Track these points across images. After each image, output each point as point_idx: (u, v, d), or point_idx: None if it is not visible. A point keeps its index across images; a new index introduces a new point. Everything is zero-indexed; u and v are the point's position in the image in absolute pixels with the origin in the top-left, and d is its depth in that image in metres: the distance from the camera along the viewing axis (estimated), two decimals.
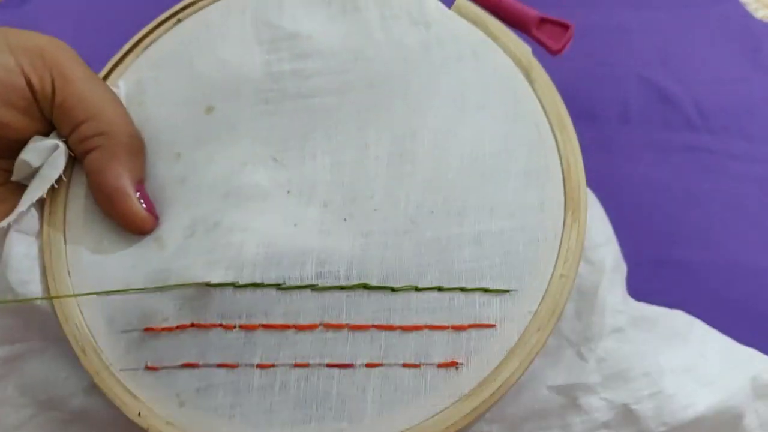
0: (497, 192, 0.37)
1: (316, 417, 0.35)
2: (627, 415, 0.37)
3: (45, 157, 0.38)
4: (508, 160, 0.38)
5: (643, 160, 0.41)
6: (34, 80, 0.36)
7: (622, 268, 0.40)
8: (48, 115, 0.37)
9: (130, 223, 0.37)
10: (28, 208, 0.38)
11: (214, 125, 0.40)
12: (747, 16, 0.58)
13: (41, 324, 0.38)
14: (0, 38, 0.36)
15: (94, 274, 0.37)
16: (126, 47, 0.41)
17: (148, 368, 0.36)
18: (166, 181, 0.39)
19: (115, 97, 0.38)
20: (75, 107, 0.36)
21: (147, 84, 0.40)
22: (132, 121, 0.38)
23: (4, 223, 0.37)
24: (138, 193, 0.37)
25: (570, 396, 0.37)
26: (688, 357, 0.39)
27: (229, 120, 0.40)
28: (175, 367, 0.36)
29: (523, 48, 0.40)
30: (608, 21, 0.56)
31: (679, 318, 0.41)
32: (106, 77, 0.41)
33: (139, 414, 0.36)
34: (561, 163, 0.37)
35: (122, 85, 0.40)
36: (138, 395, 0.36)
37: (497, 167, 0.38)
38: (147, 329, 0.36)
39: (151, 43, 0.41)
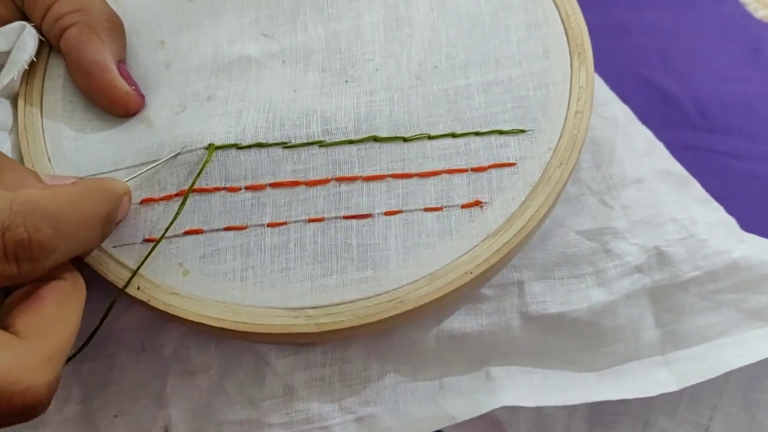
0: (500, 45, 0.36)
1: (337, 269, 0.32)
2: (660, 258, 0.35)
3: (13, 40, 0.35)
4: (507, 15, 0.37)
5: None
6: None
7: (642, 127, 0.39)
8: (20, 3, 0.35)
9: (113, 101, 0.35)
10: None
11: (197, 11, 0.38)
12: (747, 16, 0.58)
13: None
14: None
15: (77, 160, 0.35)
16: None
17: (146, 241, 0.33)
18: (150, 68, 0.37)
19: None
20: None
21: None
22: (108, 4, 0.36)
23: None
24: (119, 71, 0.35)
25: (600, 241, 0.35)
26: (721, 216, 0.38)
27: (212, 5, 0.38)
28: (176, 236, 0.33)
29: None
30: (608, 21, 0.56)
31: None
32: None
33: (138, 288, 0.32)
34: (560, 15, 0.37)
35: None
36: (134, 268, 0.32)
37: (496, 23, 0.37)
38: (144, 201, 0.33)
39: None
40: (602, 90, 0.40)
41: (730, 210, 0.40)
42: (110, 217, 0.30)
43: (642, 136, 0.39)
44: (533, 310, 0.34)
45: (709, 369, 0.34)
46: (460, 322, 0.34)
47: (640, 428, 0.38)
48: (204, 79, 0.36)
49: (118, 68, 0.35)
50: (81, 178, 0.33)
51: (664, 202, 0.36)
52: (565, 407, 0.38)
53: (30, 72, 0.36)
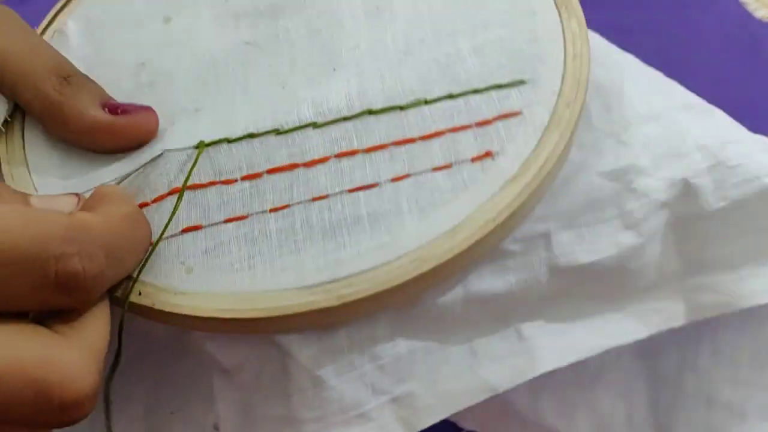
0: (485, 10, 0.35)
1: (350, 242, 0.30)
2: (687, 190, 0.33)
3: None
4: None
5: None
6: None
7: (652, 70, 0.38)
8: None
9: (123, 140, 0.33)
10: None
11: (176, 31, 0.37)
12: (747, 16, 0.58)
13: None
14: None
15: (62, 173, 0.33)
16: None
17: None
18: (134, 90, 0.36)
19: (38, 44, 0.34)
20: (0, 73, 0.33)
21: (96, 16, 0.38)
22: (64, 60, 0.34)
23: None
24: (109, 109, 0.33)
25: (623, 180, 0.33)
26: (753, 135, 0.35)
27: (190, 23, 0.38)
28: (174, 236, 0.31)
29: None
30: (608, 21, 0.55)
31: None
32: (53, 20, 0.39)
33: (140, 293, 0.30)
34: None
35: (71, 23, 0.38)
36: (134, 275, 0.30)
37: None
38: (138, 206, 0.31)
39: None
40: (601, 44, 0.38)
41: None
42: (150, 238, 0.30)
43: (653, 78, 0.37)
44: (563, 262, 0.32)
45: (727, 301, 0.31)
46: (488, 282, 0.31)
47: (703, 406, 0.35)
48: (190, 93, 0.35)
49: (105, 107, 0.33)
50: (74, 193, 0.31)
51: (688, 130, 0.34)
52: (624, 404, 0.36)
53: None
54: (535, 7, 0.35)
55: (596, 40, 0.39)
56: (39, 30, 0.38)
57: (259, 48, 0.36)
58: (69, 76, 0.33)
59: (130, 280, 0.30)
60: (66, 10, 0.39)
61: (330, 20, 0.36)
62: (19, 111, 0.35)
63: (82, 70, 0.34)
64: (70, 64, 0.34)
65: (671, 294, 0.33)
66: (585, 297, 0.32)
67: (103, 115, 0.32)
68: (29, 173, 0.34)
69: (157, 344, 0.33)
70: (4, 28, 0.33)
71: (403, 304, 0.31)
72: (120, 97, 0.35)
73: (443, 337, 0.31)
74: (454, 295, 0.31)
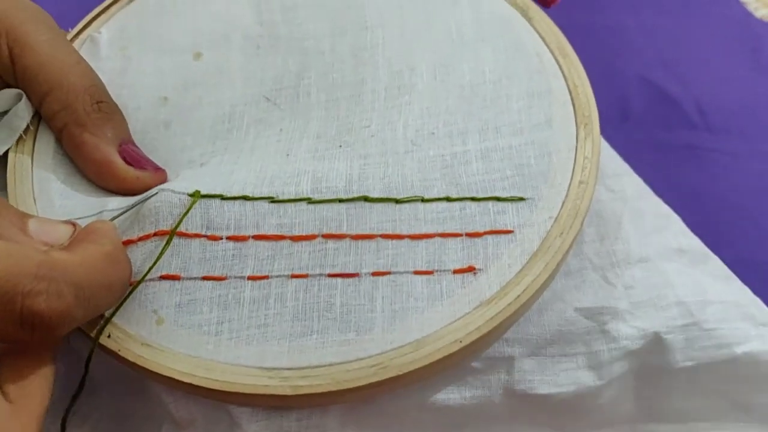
0: (501, 113, 0.35)
1: (318, 329, 0.30)
2: (657, 344, 0.33)
3: (9, 104, 0.35)
4: (510, 84, 0.36)
5: (643, 160, 0.40)
6: None
7: (657, 203, 0.38)
8: (14, 83, 0.34)
9: (126, 188, 0.34)
10: None
11: (203, 70, 0.38)
12: (747, 15, 0.58)
13: None
14: None
15: (63, 202, 0.34)
16: None
17: None
18: (149, 125, 0.36)
19: (79, 61, 0.35)
20: (36, 77, 0.33)
21: (131, 31, 0.39)
22: (100, 83, 0.35)
23: None
24: (125, 155, 0.34)
25: (598, 320, 0.33)
26: (742, 296, 0.36)
27: (219, 64, 0.38)
28: (152, 281, 0.31)
29: None
30: (608, 21, 0.56)
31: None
32: (87, 25, 0.39)
33: (109, 336, 0.30)
34: (567, 85, 0.36)
35: (104, 31, 0.39)
36: (107, 314, 0.30)
37: (498, 92, 0.36)
38: (122, 243, 0.32)
39: None
40: (614, 162, 0.38)
41: (730, 210, 0.38)
42: (128, 279, 0.30)
43: (654, 212, 0.37)
44: (520, 388, 0.32)
45: None
46: (443, 393, 0.32)
47: None
48: (201, 145, 0.36)
49: (122, 153, 0.34)
50: (71, 221, 0.31)
51: (671, 284, 0.34)
52: None
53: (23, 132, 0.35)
54: (554, 116, 0.35)
55: (611, 156, 0.39)
56: (72, 34, 0.39)
57: (276, 108, 0.36)
58: (101, 102, 0.34)
59: (102, 318, 0.30)
60: (102, 17, 0.39)
61: (351, 92, 0.37)
62: (33, 118, 0.35)
63: (107, 85, 0.35)
64: (105, 89, 0.35)
65: None
66: (536, 424, 0.33)
67: (117, 160, 0.33)
68: (32, 184, 0.34)
69: (117, 380, 0.33)
70: (46, 33, 0.34)
71: (358, 402, 0.31)
72: (135, 127, 0.36)
73: None
74: (410, 400, 0.31)
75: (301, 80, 0.37)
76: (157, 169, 0.35)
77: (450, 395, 0.32)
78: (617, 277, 0.34)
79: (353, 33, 0.39)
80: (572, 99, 0.36)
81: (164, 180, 0.34)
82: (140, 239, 0.31)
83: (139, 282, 0.31)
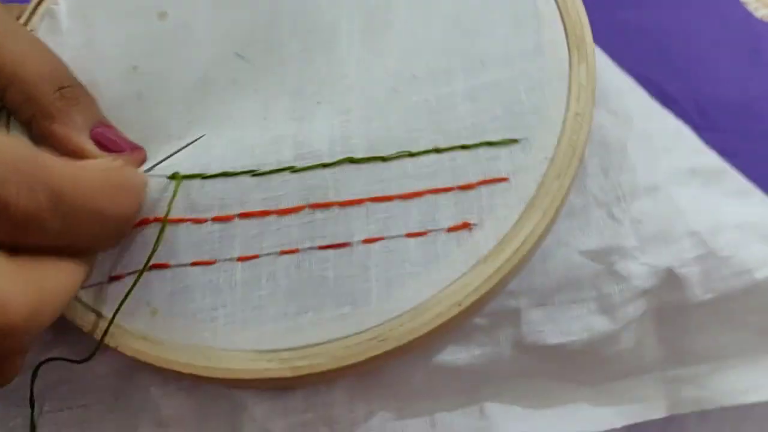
0: (484, 44, 0.33)
1: (313, 306, 0.30)
2: (671, 280, 0.32)
3: None
4: (493, 9, 0.34)
5: None
6: None
7: (665, 119, 0.35)
8: None
9: None
10: None
11: (170, 31, 0.36)
12: (747, 15, 0.56)
13: None
14: None
15: None
16: None
17: (111, 278, 0.31)
18: (122, 98, 0.35)
19: (34, 48, 0.33)
20: None
21: None
22: (60, 67, 0.33)
23: None
24: (98, 139, 0.33)
25: (606, 261, 0.32)
26: (761, 211, 0.34)
27: (186, 22, 0.36)
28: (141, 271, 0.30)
29: None
30: (608, 20, 0.52)
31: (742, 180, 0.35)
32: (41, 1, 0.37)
33: (106, 332, 0.30)
34: (557, 3, 0.33)
35: (62, 2, 0.36)
36: (103, 312, 0.30)
37: (481, 19, 0.34)
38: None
39: None
40: (616, 78, 0.36)
41: None
42: (130, 220, 0.29)
43: (663, 129, 0.35)
44: (530, 340, 0.31)
45: (710, 397, 0.31)
46: (450, 354, 0.31)
47: None
48: (177, 115, 0.34)
49: (95, 138, 0.32)
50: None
51: (682, 212, 0.32)
52: None
53: None
54: (543, 41, 0.33)
55: (613, 72, 0.36)
56: (29, 8, 0.36)
57: (249, 65, 0.34)
58: (64, 87, 0.32)
59: (100, 318, 0.30)
60: None
61: (326, 37, 0.34)
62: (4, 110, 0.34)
63: (73, 61, 0.33)
64: (66, 70, 0.33)
65: (651, 384, 0.32)
66: (554, 378, 0.32)
67: (90, 147, 0.32)
68: None
69: (87, 391, 0.33)
70: None
71: (361, 374, 0.31)
72: (109, 103, 0.34)
73: (403, 406, 0.32)
74: (416, 365, 0.31)
75: (272, 30, 0.35)
76: (135, 148, 0.33)
77: (457, 355, 0.31)
78: (624, 212, 0.32)
79: None
80: (562, 18, 0.34)
81: (144, 159, 0.33)
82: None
83: (139, 276, 0.30)
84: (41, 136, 0.32)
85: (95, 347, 0.30)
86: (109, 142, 0.33)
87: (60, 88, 0.32)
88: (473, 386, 0.32)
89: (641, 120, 0.35)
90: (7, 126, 0.34)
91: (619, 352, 0.32)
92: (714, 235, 0.32)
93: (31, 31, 0.36)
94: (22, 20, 0.36)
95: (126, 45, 0.36)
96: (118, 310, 0.30)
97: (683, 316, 0.32)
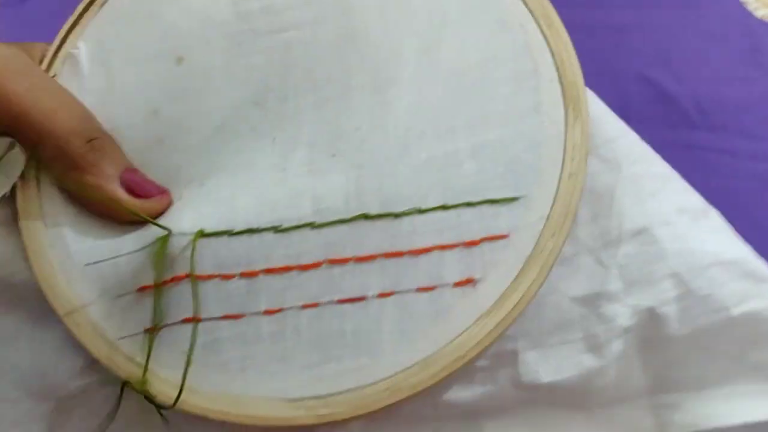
0: (487, 102, 0.35)
1: (334, 357, 0.33)
2: (652, 318, 0.35)
3: (2, 152, 0.35)
4: (495, 67, 0.36)
5: None
6: None
7: (654, 163, 0.37)
8: (4, 133, 0.34)
9: (138, 219, 0.35)
10: None
11: (188, 76, 0.37)
12: (747, 15, 0.56)
13: (26, 304, 0.35)
14: None
15: (78, 248, 0.35)
16: (81, 7, 0.38)
17: (147, 330, 0.34)
18: (143, 143, 0.36)
19: (63, 102, 0.35)
20: (22, 127, 0.33)
21: (109, 42, 0.38)
22: (88, 118, 0.35)
23: None
24: (128, 185, 0.35)
25: (593, 306, 0.35)
26: (743, 252, 0.36)
27: (203, 68, 0.37)
28: (176, 324, 0.33)
29: None
30: (608, 20, 0.55)
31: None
32: (63, 41, 0.38)
33: (144, 382, 0.33)
34: (554, 61, 0.36)
35: (82, 46, 0.38)
36: (141, 361, 0.33)
37: (484, 77, 0.36)
38: (140, 288, 0.34)
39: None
40: (608, 124, 0.37)
41: (729, 210, 0.39)
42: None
43: (650, 174, 0.37)
44: (526, 380, 0.35)
45: (695, 421, 0.35)
46: (454, 392, 0.35)
47: None
48: (197, 161, 0.36)
49: (125, 184, 0.35)
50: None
51: (664, 255, 0.35)
52: None
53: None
54: (540, 100, 0.35)
55: (602, 118, 0.38)
56: (50, 53, 0.38)
57: (266, 114, 0.36)
58: (93, 139, 0.34)
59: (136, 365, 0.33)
60: (76, 30, 0.38)
61: (338, 89, 0.36)
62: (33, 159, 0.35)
63: (95, 104, 0.36)
64: (94, 120, 0.35)
65: (640, 409, 0.36)
66: (549, 408, 0.36)
67: (123, 195, 0.34)
68: (45, 227, 0.35)
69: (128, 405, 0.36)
70: (25, 81, 0.34)
71: (376, 416, 0.34)
72: (130, 146, 0.36)
73: None
74: (424, 403, 0.35)
75: (286, 79, 0.37)
76: (162, 192, 0.36)
77: (461, 393, 0.35)
78: (611, 258, 0.35)
79: (333, 19, 0.37)
80: (560, 76, 0.36)
81: (170, 202, 0.36)
82: (164, 284, 0.34)
83: (158, 327, 0.33)
84: (73, 189, 0.35)
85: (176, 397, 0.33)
86: (138, 187, 0.35)
87: (90, 140, 0.34)
88: (474, 414, 0.36)
89: (630, 165, 0.37)
90: (37, 178, 0.36)
91: (607, 384, 0.35)
92: (694, 276, 0.35)
93: (54, 75, 0.37)
94: (44, 63, 0.37)
95: (146, 89, 0.37)
96: (147, 358, 0.33)
97: (667, 348, 0.35)
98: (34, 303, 0.35)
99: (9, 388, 0.36)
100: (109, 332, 0.34)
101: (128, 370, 0.33)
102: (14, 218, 0.36)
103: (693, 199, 0.37)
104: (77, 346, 0.35)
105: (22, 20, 0.57)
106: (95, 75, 0.37)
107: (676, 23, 0.55)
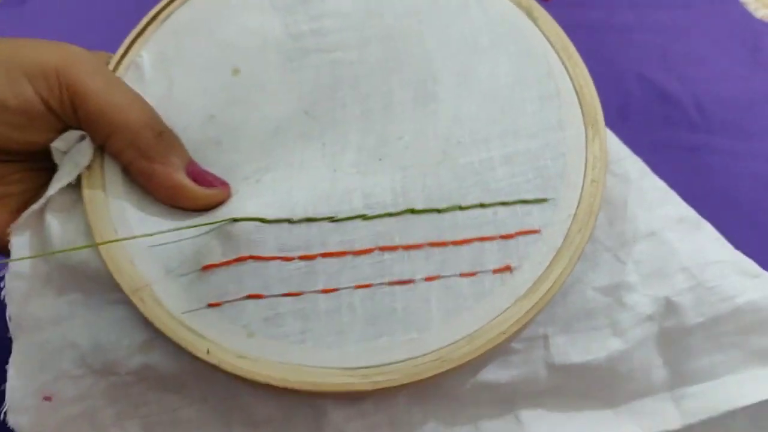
0: (516, 118, 0.40)
1: (387, 331, 0.36)
2: (669, 306, 0.39)
3: (71, 144, 0.38)
4: (522, 89, 0.41)
5: (642, 158, 0.43)
6: (54, 104, 0.36)
7: (654, 179, 0.42)
8: (77, 127, 0.38)
9: (200, 206, 0.38)
10: (59, 192, 0.38)
11: (243, 86, 0.41)
12: (747, 15, 0.58)
13: (92, 282, 0.38)
14: (15, 63, 0.36)
15: (141, 231, 0.38)
16: (145, 20, 0.42)
17: (210, 305, 0.36)
18: (201, 144, 0.40)
19: (135, 98, 0.38)
20: (97, 122, 0.37)
21: (170, 53, 0.42)
22: (156, 115, 0.39)
23: (36, 206, 0.38)
24: (192, 176, 0.38)
25: (614, 295, 0.39)
26: (733, 253, 0.41)
27: (257, 79, 0.41)
28: (239, 300, 0.36)
29: None
30: (608, 20, 0.57)
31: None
32: (127, 50, 0.42)
33: (208, 351, 0.36)
34: (573, 86, 0.41)
35: (145, 55, 0.42)
36: (204, 334, 0.36)
37: (513, 96, 0.41)
38: (205, 267, 0.37)
39: (169, 15, 0.43)
40: (616, 146, 0.43)
41: (729, 210, 0.42)
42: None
43: (654, 188, 0.42)
44: (558, 360, 0.38)
45: (713, 406, 0.39)
46: (492, 373, 0.38)
47: None
48: (253, 161, 0.40)
49: (190, 174, 0.38)
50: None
51: (674, 253, 0.40)
52: None
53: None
54: (562, 118, 0.40)
55: (613, 142, 0.44)
56: (115, 59, 0.41)
57: (316, 122, 0.41)
58: (161, 132, 0.38)
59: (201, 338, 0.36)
60: (140, 40, 0.42)
61: (382, 102, 0.41)
62: (97, 150, 0.39)
63: (155, 107, 0.39)
64: (160, 119, 0.38)
65: (664, 400, 0.40)
66: (579, 395, 0.39)
67: (189, 183, 0.38)
68: (109, 212, 0.38)
69: (176, 395, 0.39)
70: (100, 79, 0.37)
71: (420, 386, 0.37)
72: (189, 147, 0.40)
73: (452, 413, 0.38)
74: (465, 381, 0.38)
75: (335, 93, 0.41)
76: (223, 184, 0.39)
77: (498, 374, 0.38)
78: (627, 255, 0.40)
79: (376, 43, 0.42)
80: (579, 100, 0.41)
81: (230, 193, 0.39)
82: (222, 264, 0.36)
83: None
84: (142, 177, 0.38)
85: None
86: (202, 178, 0.38)
87: (159, 133, 0.38)
88: (510, 398, 0.39)
89: (637, 180, 0.42)
90: (102, 168, 0.39)
91: (632, 369, 0.39)
92: (702, 270, 0.40)
93: None
94: (110, 68, 0.41)
95: (203, 96, 0.41)
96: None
97: (682, 338, 0.39)
98: (90, 284, 0.38)
99: (70, 366, 0.38)
100: (174, 308, 0.36)
101: (192, 341, 0.36)
102: (76, 205, 0.39)
103: (689, 211, 0.43)
104: (136, 325, 0.37)
105: (22, 20, 0.58)
106: (156, 82, 0.41)
107: (676, 23, 0.56)
